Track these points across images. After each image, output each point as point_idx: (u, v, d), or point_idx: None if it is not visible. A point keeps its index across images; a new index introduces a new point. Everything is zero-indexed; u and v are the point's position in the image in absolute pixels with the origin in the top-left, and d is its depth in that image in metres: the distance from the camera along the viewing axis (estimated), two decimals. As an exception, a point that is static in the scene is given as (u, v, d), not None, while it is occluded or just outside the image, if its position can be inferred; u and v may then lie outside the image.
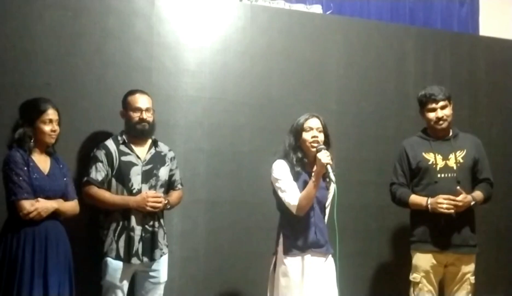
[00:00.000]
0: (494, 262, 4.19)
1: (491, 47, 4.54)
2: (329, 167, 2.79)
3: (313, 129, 2.94)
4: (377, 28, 4.32)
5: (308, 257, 2.90)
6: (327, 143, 2.96)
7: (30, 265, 2.71)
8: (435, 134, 3.39)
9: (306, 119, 2.97)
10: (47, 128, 2.84)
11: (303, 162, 2.95)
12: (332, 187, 2.92)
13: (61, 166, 2.94)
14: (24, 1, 3.34)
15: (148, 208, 3.08)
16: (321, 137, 2.94)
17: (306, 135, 2.94)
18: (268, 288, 3.00)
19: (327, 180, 2.92)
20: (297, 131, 2.98)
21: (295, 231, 2.91)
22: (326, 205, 3.02)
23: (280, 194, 2.92)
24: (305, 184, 2.90)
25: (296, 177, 2.93)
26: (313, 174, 2.87)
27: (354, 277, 3.79)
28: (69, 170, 3.04)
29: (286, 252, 2.90)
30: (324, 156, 2.80)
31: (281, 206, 2.96)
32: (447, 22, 5.12)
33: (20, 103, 2.90)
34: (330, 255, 2.97)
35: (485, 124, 4.41)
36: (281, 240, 2.95)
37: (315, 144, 2.90)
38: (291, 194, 2.88)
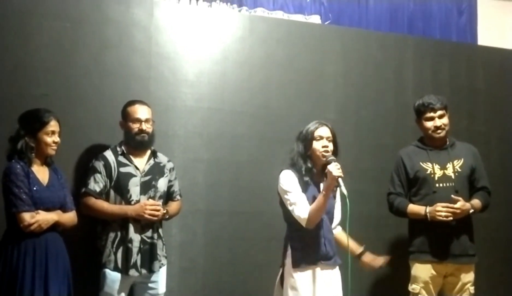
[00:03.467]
0: (494, 271, 4.17)
1: (490, 57, 4.55)
2: (340, 180, 2.71)
3: (323, 139, 2.87)
4: (376, 38, 4.33)
5: (317, 270, 2.83)
6: (335, 153, 2.90)
7: (31, 277, 2.70)
8: (432, 144, 3.39)
9: (317, 128, 2.90)
10: (49, 140, 2.84)
11: (312, 172, 2.88)
12: (342, 196, 2.85)
13: (59, 177, 2.93)
14: (23, 12, 3.35)
15: (147, 216, 3.07)
16: (330, 146, 2.87)
17: (317, 145, 2.86)
18: None
19: (334, 189, 2.83)
20: (307, 139, 2.90)
21: (304, 243, 2.83)
22: (335, 214, 2.97)
23: (289, 207, 2.83)
24: (313, 194, 2.84)
25: (304, 187, 2.85)
26: (322, 185, 2.82)
27: (353, 287, 3.76)
28: (66, 180, 3.03)
29: (295, 265, 2.82)
30: (335, 169, 2.72)
31: (289, 217, 2.87)
32: (445, 32, 5.14)
33: (20, 114, 2.89)
34: (338, 267, 2.92)
35: (484, 134, 4.40)
36: (289, 252, 2.86)
37: (326, 155, 2.83)
38: (301, 207, 2.79)
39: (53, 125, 2.85)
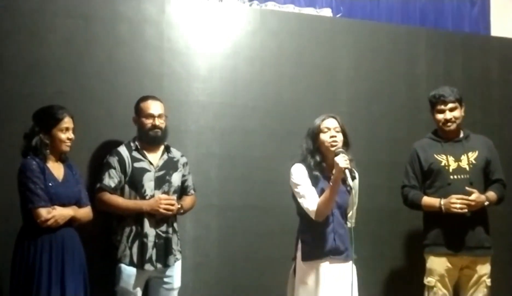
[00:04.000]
0: (510, 263, 4.14)
1: (503, 48, 4.51)
2: (347, 171, 2.68)
3: (330, 130, 2.85)
4: (388, 31, 4.30)
5: (326, 264, 2.83)
6: (346, 143, 2.88)
7: (48, 272, 2.73)
8: (445, 136, 3.37)
9: (323, 120, 2.89)
10: (63, 136, 2.86)
11: (321, 166, 2.87)
12: (354, 190, 2.84)
13: (74, 173, 2.96)
14: (36, 10, 3.38)
15: (162, 211, 3.09)
16: (339, 137, 2.85)
17: (324, 137, 2.85)
18: (288, 292, 2.97)
19: (347, 183, 2.78)
20: (314, 133, 2.89)
21: (314, 237, 2.84)
22: (348, 209, 2.94)
23: (299, 199, 2.85)
24: (323, 188, 2.82)
25: (314, 181, 2.85)
26: (331, 178, 2.78)
27: (367, 281, 3.73)
28: (81, 176, 3.06)
29: (304, 259, 2.85)
30: (342, 160, 2.69)
31: (301, 211, 2.89)
32: (458, 23, 5.09)
33: (34, 111, 2.91)
34: (351, 262, 2.85)
35: (498, 125, 4.37)
36: (299, 245, 2.89)
37: (334, 145, 2.81)
38: (310, 199, 2.81)
39: (67, 121, 2.87)
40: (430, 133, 3.46)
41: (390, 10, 4.92)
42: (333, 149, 2.81)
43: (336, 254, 2.84)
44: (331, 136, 2.84)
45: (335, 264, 2.84)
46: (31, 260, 2.73)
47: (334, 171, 2.76)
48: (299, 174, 2.88)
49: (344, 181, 2.77)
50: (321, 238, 2.84)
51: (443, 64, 4.32)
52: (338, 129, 2.87)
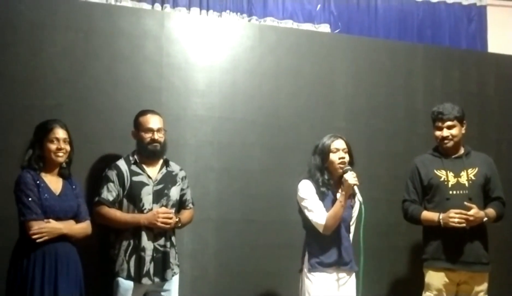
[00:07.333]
0: (507, 280, 4.13)
1: (500, 64, 4.54)
2: (356, 187, 2.90)
3: (339, 151, 3.04)
4: (385, 46, 4.34)
5: (333, 275, 2.99)
6: (351, 163, 3.07)
7: (40, 285, 2.72)
8: (445, 152, 3.38)
9: (332, 141, 3.06)
10: (53, 146, 2.85)
11: (329, 183, 3.04)
12: (357, 205, 3.04)
13: (73, 187, 2.95)
14: (36, 23, 3.39)
15: (159, 224, 3.08)
16: (347, 158, 3.04)
17: (333, 157, 3.03)
18: None
19: (352, 199, 3.03)
20: (324, 152, 3.05)
21: (320, 249, 3.00)
22: (351, 223, 3.11)
23: (307, 213, 3.00)
24: (331, 203, 2.98)
25: (321, 196, 3.01)
26: (339, 194, 2.96)
27: (367, 295, 3.76)
28: (82, 190, 3.05)
29: (311, 269, 2.99)
30: (351, 177, 2.91)
31: (307, 224, 3.04)
32: (455, 39, 5.14)
33: (34, 125, 2.93)
34: (354, 273, 3.05)
35: (494, 141, 4.39)
36: (306, 257, 3.03)
37: (343, 166, 2.99)
38: (318, 213, 2.96)
39: (56, 132, 2.87)
40: (431, 150, 3.47)
41: (387, 26, 4.97)
42: (340, 170, 3.00)
43: (341, 265, 3.01)
44: (340, 158, 3.03)
45: (341, 274, 3.01)
46: (24, 272, 2.72)
47: (342, 187, 2.95)
48: (306, 189, 3.03)
49: (352, 196, 2.98)
50: (328, 250, 3.00)
51: (440, 80, 4.35)
52: (346, 150, 3.07)
